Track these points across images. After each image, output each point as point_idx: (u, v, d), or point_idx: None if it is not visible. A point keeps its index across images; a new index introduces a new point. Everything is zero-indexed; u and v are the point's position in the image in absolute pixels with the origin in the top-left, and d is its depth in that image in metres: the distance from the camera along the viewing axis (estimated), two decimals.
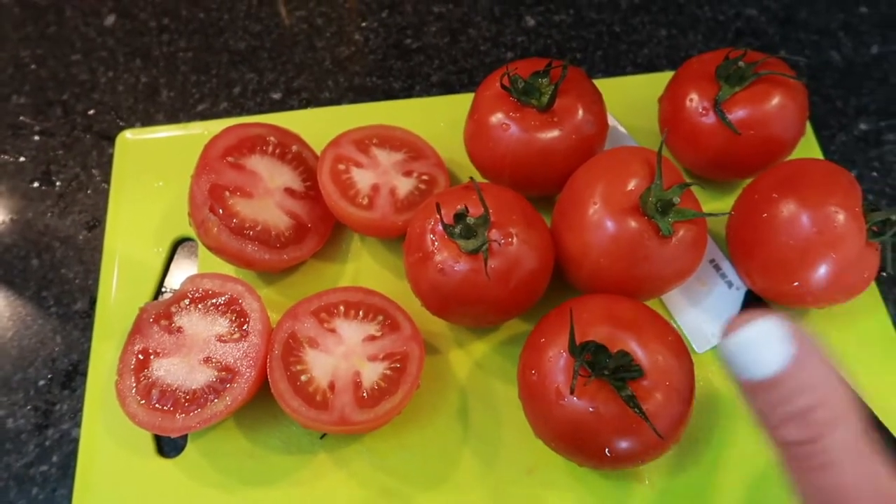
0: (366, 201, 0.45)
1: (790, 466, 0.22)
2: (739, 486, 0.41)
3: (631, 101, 0.53)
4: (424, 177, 0.48)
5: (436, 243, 0.40)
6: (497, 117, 0.44)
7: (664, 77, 0.50)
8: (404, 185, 0.47)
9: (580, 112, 0.44)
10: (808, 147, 0.51)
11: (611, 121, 0.51)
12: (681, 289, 0.45)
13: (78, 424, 0.45)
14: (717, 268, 0.46)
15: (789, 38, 0.58)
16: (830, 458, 0.21)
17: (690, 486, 0.41)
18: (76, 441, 0.44)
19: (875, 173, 0.52)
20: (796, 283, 0.40)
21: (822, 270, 0.39)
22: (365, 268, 0.48)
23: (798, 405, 0.22)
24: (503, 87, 0.44)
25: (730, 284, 0.45)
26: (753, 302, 0.44)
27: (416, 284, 0.42)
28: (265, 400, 0.42)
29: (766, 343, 0.22)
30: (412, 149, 0.49)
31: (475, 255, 0.39)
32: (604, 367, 0.35)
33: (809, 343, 0.22)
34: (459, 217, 0.39)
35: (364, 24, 0.60)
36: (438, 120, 0.53)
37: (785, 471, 0.22)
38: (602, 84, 0.47)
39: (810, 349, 0.22)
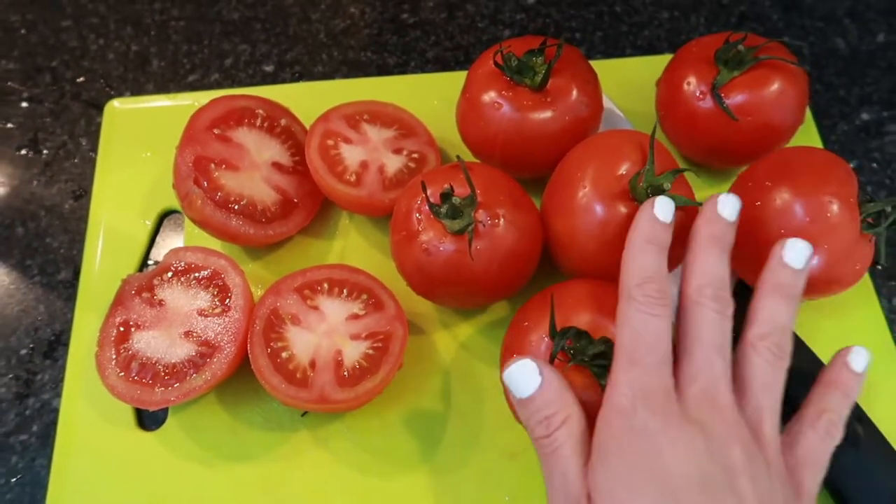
0: (353, 178, 0.45)
1: (539, 454, 0.33)
2: None
3: (629, 83, 0.52)
4: (414, 155, 0.47)
5: (421, 223, 0.39)
6: (489, 96, 0.43)
7: (663, 60, 0.49)
8: (393, 163, 0.46)
9: (574, 93, 0.43)
10: (808, 136, 0.50)
11: (607, 103, 0.50)
12: (668, 276, 0.44)
13: (59, 395, 0.45)
14: None
15: (793, 23, 0.57)
16: (558, 444, 0.32)
17: None
18: (56, 411, 0.44)
19: (875, 164, 0.51)
20: None
21: (814, 261, 0.38)
22: (352, 245, 0.48)
23: (543, 414, 0.32)
24: (496, 64, 0.43)
25: None
26: (744, 291, 0.44)
27: (401, 264, 0.41)
28: (247, 375, 0.42)
29: (524, 374, 0.33)
30: (403, 126, 0.48)
31: (461, 236, 0.38)
32: (584, 353, 0.35)
33: (551, 373, 0.33)
34: (445, 196, 0.38)
35: None
36: (432, 97, 0.52)
37: (540, 458, 0.33)
38: (600, 65, 0.46)
39: (551, 377, 0.33)
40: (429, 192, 0.39)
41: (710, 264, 0.34)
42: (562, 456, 0.32)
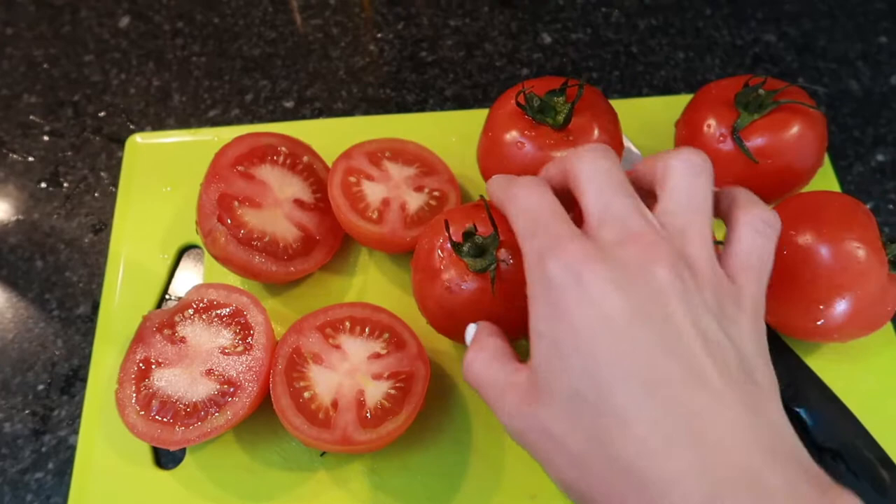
0: (375, 215, 0.45)
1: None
2: None
3: (646, 122, 0.52)
4: (435, 192, 0.47)
5: (444, 261, 0.39)
6: (512, 135, 0.43)
7: (680, 100, 0.50)
8: (415, 201, 0.46)
9: (595, 132, 0.43)
10: (825, 177, 0.50)
11: (626, 142, 0.51)
12: None
13: (76, 431, 0.44)
14: None
15: (807, 65, 0.58)
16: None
17: None
18: (73, 448, 0.44)
19: (891, 206, 0.51)
20: (821, 322, 0.39)
21: (847, 307, 0.38)
22: (372, 282, 0.48)
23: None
24: (518, 104, 0.43)
25: None
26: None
27: (423, 301, 0.41)
28: (265, 414, 0.41)
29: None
30: (424, 164, 0.49)
31: (482, 274, 0.38)
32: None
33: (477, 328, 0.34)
34: (468, 235, 0.39)
35: (380, 35, 0.60)
36: (451, 134, 0.53)
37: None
38: (618, 105, 0.47)
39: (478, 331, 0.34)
40: (451, 231, 0.39)
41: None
42: (480, 375, 0.31)
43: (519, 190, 0.31)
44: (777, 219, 0.31)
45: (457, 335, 0.43)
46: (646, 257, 0.27)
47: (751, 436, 0.25)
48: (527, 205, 0.30)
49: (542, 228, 0.29)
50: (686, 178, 0.30)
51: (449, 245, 0.39)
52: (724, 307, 0.28)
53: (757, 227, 0.30)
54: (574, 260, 0.27)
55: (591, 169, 0.30)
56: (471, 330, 0.35)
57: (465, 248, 0.39)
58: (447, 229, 0.39)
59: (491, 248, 0.39)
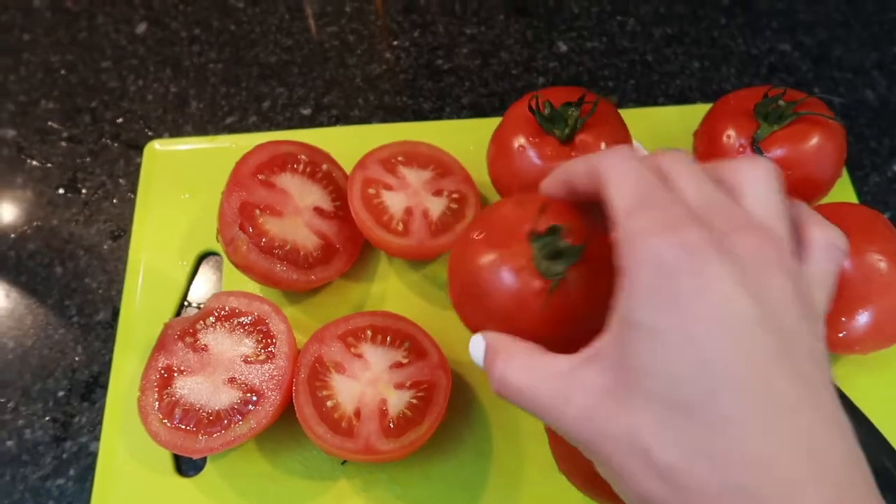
0: (401, 227, 0.45)
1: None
2: None
3: (663, 132, 0.53)
4: (455, 195, 0.48)
5: (512, 240, 0.31)
6: (517, 139, 0.44)
7: (697, 109, 0.50)
8: (436, 206, 0.47)
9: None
10: (843, 188, 0.51)
11: (641, 152, 0.51)
12: None
13: (96, 438, 0.44)
14: None
15: (823, 75, 0.58)
16: (501, 379, 0.28)
17: None
18: (94, 455, 0.44)
19: None
20: (843, 334, 0.39)
21: (869, 319, 0.39)
22: (392, 290, 0.48)
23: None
24: (530, 108, 0.43)
25: None
26: None
27: (453, 268, 0.34)
28: (286, 422, 0.42)
29: (476, 347, 0.30)
30: (439, 164, 0.49)
31: (540, 277, 0.30)
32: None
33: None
34: (554, 230, 0.31)
35: (396, 43, 0.60)
36: (468, 142, 0.53)
37: None
38: (634, 114, 0.47)
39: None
40: (541, 216, 0.31)
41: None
42: (524, 383, 0.27)
43: (616, 153, 0.28)
44: (847, 243, 0.29)
45: (470, 319, 0.34)
46: (763, 257, 0.25)
47: (853, 461, 0.23)
48: (631, 174, 0.27)
49: (656, 201, 0.25)
50: (769, 187, 0.27)
51: (527, 230, 0.31)
52: (814, 325, 0.26)
53: (831, 252, 0.28)
54: (694, 246, 0.24)
55: (672, 160, 0.28)
56: (477, 342, 0.30)
57: (544, 242, 0.31)
58: (541, 211, 0.31)
59: (569, 259, 0.31)
